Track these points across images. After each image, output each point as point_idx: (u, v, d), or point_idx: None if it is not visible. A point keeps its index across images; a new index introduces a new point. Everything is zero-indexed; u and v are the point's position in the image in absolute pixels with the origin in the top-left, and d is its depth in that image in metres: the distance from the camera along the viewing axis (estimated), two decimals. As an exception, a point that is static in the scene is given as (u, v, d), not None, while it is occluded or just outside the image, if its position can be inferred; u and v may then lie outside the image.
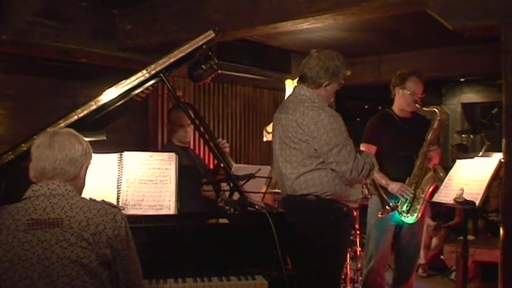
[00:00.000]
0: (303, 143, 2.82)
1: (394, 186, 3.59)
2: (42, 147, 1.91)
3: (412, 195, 3.60)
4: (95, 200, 1.98)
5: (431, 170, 3.67)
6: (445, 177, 3.38)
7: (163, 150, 3.99)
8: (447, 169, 3.55)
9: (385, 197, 3.56)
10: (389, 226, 3.68)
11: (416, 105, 3.66)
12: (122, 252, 1.89)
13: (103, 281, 1.83)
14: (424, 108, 3.69)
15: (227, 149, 3.83)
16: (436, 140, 3.73)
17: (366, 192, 3.55)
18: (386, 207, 3.56)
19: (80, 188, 2.02)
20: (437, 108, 3.70)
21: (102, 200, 2.05)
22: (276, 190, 4.45)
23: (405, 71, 3.76)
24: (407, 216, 3.64)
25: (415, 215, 3.64)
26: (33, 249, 1.77)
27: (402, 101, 3.71)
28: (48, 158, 1.89)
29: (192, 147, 4.86)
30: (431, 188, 3.65)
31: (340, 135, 2.78)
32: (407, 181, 3.64)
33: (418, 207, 3.64)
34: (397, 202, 3.61)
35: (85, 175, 2.02)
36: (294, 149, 2.86)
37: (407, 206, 3.64)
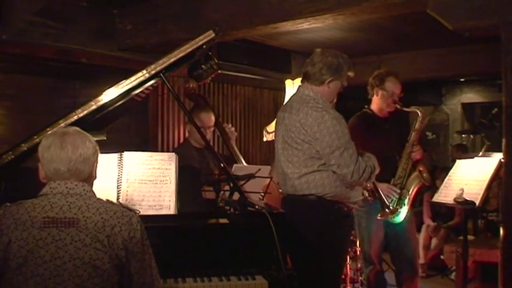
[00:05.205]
0: (305, 144, 2.82)
1: (381, 187, 3.58)
2: (53, 148, 1.87)
3: (398, 196, 3.62)
4: (111, 201, 1.98)
5: (416, 171, 3.68)
6: (430, 177, 3.43)
7: (179, 149, 3.99)
8: (447, 169, 3.54)
9: (386, 200, 3.56)
10: (378, 220, 3.67)
11: (396, 105, 3.66)
12: (137, 254, 1.88)
13: (113, 285, 1.82)
14: (405, 109, 3.70)
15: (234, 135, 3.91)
16: (419, 141, 3.73)
17: (366, 195, 3.55)
18: (386, 209, 3.57)
19: (91, 186, 1.99)
20: (418, 109, 3.71)
21: (119, 203, 2.04)
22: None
23: (382, 72, 3.77)
24: (394, 216, 3.64)
25: (401, 214, 3.64)
26: (46, 247, 1.76)
27: (381, 102, 3.71)
28: (61, 159, 1.86)
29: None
30: (416, 188, 3.69)
31: (343, 138, 2.78)
32: (391, 182, 3.66)
33: (404, 207, 3.65)
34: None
35: (96, 173, 2.00)
36: (296, 149, 2.86)
37: (393, 206, 3.64)
